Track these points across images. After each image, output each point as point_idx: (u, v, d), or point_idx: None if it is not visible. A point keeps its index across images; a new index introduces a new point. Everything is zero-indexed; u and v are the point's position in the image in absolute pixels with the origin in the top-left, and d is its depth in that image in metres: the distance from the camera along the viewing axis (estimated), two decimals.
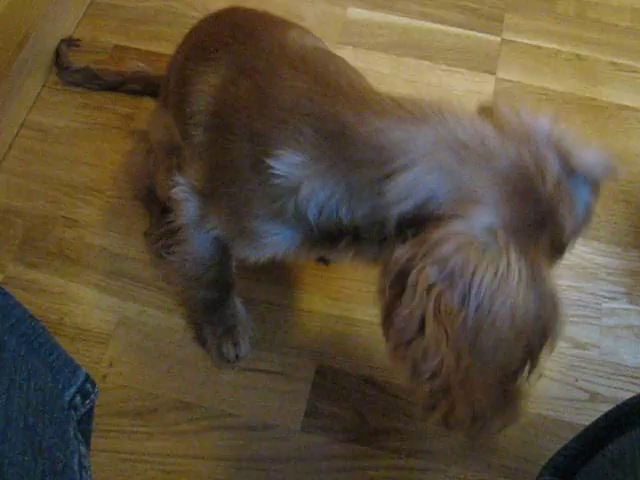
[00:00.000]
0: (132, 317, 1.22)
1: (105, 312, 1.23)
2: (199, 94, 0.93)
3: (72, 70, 1.45)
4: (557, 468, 0.76)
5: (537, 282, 0.67)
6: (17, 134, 1.40)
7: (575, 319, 1.25)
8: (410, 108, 0.75)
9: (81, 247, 1.28)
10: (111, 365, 1.18)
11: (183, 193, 0.97)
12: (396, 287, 0.69)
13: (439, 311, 0.66)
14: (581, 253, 1.31)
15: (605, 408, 1.13)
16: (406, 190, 0.70)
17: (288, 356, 1.19)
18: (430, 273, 0.66)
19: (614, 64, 1.55)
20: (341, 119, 0.77)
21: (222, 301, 1.17)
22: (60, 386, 0.59)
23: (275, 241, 0.89)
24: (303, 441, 1.13)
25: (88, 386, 0.62)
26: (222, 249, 1.04)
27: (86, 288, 1.25)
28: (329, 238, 0.85)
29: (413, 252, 0.68)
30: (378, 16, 1.58)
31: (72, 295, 1.24)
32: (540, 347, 0.70)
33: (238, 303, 1.20)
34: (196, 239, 1.03)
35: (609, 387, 1.20)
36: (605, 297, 1.28)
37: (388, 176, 0.71)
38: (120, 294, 1.24)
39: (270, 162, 0.79)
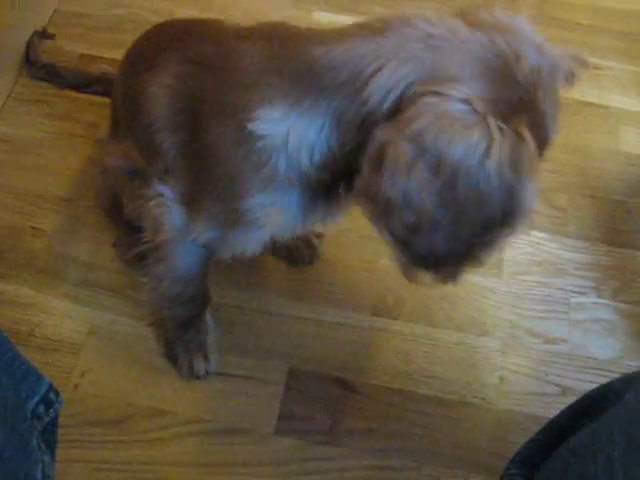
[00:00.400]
0: (103, 326, 1.22)
1: (76, 322, 1.22)
2: (154, 100, 0.92)
3: (39, 65, 1.45)
4: (523, 461, 0.77)
5: (518, 150, 0.69)
6: None
7: (544, 314, 1.27)
8: (373, 24, 0.77)
9: (50, 257, 1.28)
10: (83, 375, 1.17)
11: (161, 207, 0.96)
12: (376, 167, 0.71)
13: (416, 184, 0.69)
14: (549, 249, 1.33)
15: None
16: (385, 88, 0.72)
17: (260, 360, 1.19)
18: (406, 148, 0.68)
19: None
20: (306, 57, 0.78)
21: (197, 317, 1.16)
22: (23, 396, 0.59)
23: (272, 215, 0.88)
24: (277, 444, 1.13)
25: (52, 395, 0.62)
26: (206, 260, 1.04)
27: (56, 298, 1.24)
28: (326, 191, 0.86)
29: (389, 131, 0.70)
30: (344, 19, 1.58)
31: (42, 306, 1.23)
32: (501, 224, 0.73)
33: (210, 319, 1.19)
34: (179, 254, 1.02)
35: (579, 381, 1.21)
36: (573, 292, 1.30)
37: (366, 84, 0.73)
38: (91, 303, 1.24)
39: (251, 126, 0.79)
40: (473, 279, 1.28)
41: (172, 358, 1.19)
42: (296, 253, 1.26)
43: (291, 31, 0.84)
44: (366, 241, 1.29)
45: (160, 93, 0.91)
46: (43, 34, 1.51)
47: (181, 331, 1.17)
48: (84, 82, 1.42)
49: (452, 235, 0.74)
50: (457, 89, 0.68)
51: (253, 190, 0.85)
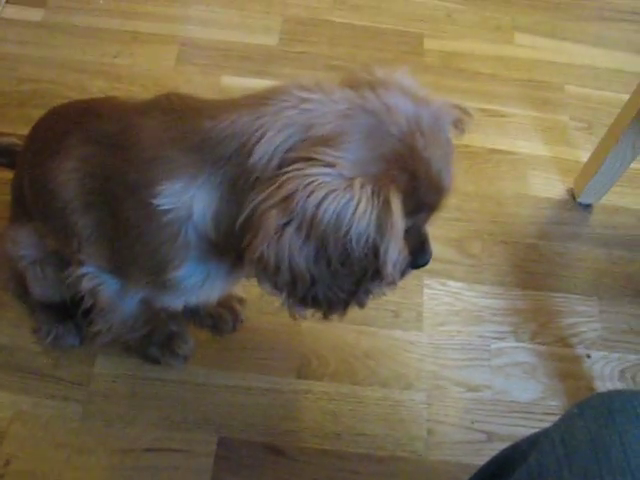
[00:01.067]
0: (27, 410, 1.20)
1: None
2: (63, 186, 0.92)
3: None
4: None
5: (382, 212, 0.72)
6: None
7: (466, 363, 1.30)
8: (258, 94, 0.80)
9: None
10: (7, 464, 1.14)
11: (91, 280, 0.98)
12: (253, 232, 0.74)
13: (287, 247, 0.72)
14: (466, 297, 1.36)
15: (503, 446, 1.17)
16: (267, 155, 0.75)
17: (188, 432, 1.19)
18: (275, 214, 0.71)
19: (483, 110, 1.62)
20: (199, 129, 0.80)
21: (157, 326, 1.19)
22: None
23: (195, 283, 0.91)
24: None
25: None
26: (147, 305, 1.05)
27: None
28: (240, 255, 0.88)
29: (261, 197, 0.73)
30: (251, 82, 1.61)
31: None
32: (371, 278, 0.78)
33: (163, 314, 1.19)
34: (120, 310, 1.04)
35: (504, 425, 1.24)
36: (492, 338, 1.33)
37: (251, 152, 0.75)
38: (12, 388, 1.21)
39: (155, 202, 0.81)
40: (394, 334, 1.30)
41: (152, 360, 1.24)
42: (220, 321, 1.27)
43: (186, 103, 0.86)
44: None
45: (68, 178, 0.92)
46: None
47: (147, 340, 1.20)
48: None
49: (329, 288, 0.78)
50: (326, 153, 0.71)
51: (173, 262, 0.87)
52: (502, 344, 1.33)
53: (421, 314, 1.33)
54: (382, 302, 1.32)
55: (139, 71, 1.60)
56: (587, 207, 1.52)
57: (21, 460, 1.15)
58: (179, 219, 0.82)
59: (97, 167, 0.89)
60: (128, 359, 1.24)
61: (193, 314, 1.28)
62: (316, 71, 1.63)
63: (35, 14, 1.72)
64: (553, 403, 1.27)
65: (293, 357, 1.27)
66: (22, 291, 1.20)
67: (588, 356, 1.33)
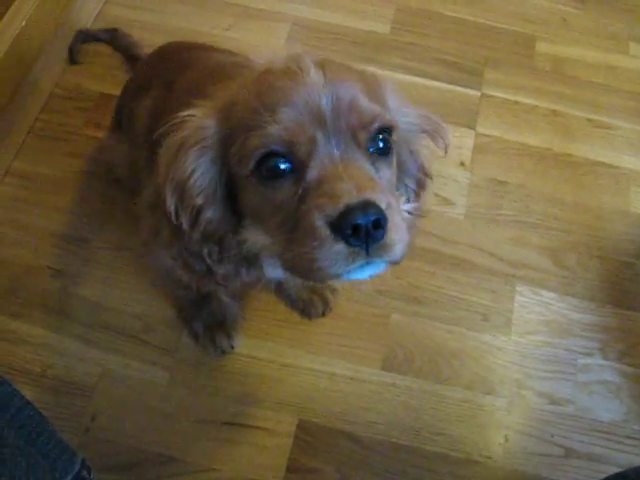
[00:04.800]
0: (116, 370, 1.23)
1: (88, 364, 1.23)
2: (140, 119, 1.07)
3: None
4: None
5: None
6: (1, 182, 1.41)
7: (551, 374, 1.28)
8: None
9: (64, 298, 1.29)
10: (93, 419, 1.18)
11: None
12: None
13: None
14: (557, 309, 1.34)
15: (580, 464, 1.17)
16: None
17: (271, 411, 1.21)
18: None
19: (589, 120, 1.59)
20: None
21: (205, 299, 1.22)
22: (57, 475, 0.60)
23: None
24: None
25: (84, 473, 0.63)
26: None
27: (69, 339, 1.25)
28: None
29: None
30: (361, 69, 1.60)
31: (55, 346, 1.24)
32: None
33: (225, 297, 1.23)
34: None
35: (584, 443, 1.23)
36: (580, 353, 1.31)
37: None
38: (103, 346, 1.25)
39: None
40: (482, 337, 1.29)
41: (194, 336, 1.25)
42: (310, 306, 1.27)
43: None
44: (378, 295, 1.31)
45: (142, 112, 1.07)
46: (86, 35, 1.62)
47: (194, 310, 1.24)
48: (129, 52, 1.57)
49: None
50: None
51: None
52: (589, 360, 1.31)
53: (510, 320, 1.32)
54: (472, 304, 1.32)
55: (248, 46, 1.61)
56: None
57: (106, 417, 1.19)
58: None
59: (159, 108, 1.02)
60: None
61: (285, 295, 1.29)
62: (425, 64, 1.62)
63: None
64: (636, 427, 1.25)
65: (379, 349, 1.27)
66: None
67: None
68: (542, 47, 1.71)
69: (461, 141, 1.52)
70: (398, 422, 1.22)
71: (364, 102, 0.71)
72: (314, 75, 0.71)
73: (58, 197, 1.40)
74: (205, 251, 0.78)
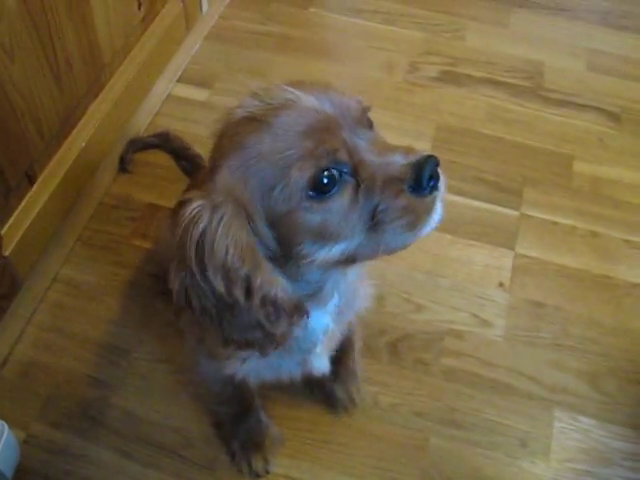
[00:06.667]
0: None
1: (126, 478, 1.23)
2: None
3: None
4: None
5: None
6: (49, 288, 1.44)
7: None
8: None
9: (104, 408, 1.30)
10: None
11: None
12: None
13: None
14: (597, 436, 1.32)
15: None
16: None
17: None
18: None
19: (627, 242, 1.60)
20: None
21: (244, 416, 1.22)
22: None
23: None
24: None
25: None
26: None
27: (107, 452, 1.25)
28: None
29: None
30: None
31: (93, 458, 1.24)
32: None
33: (264, 418, 1.23)
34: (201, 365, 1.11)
35: None
36: None
37: None
38: (141, 460, 1.25)
39: None
40: (520, 463, 1.27)
41: (230, 454, 1.25)
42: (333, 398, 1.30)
43: None
44: (415, 417, 1.30)
45: None
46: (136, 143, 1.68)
47: (233, 427, 1.23)
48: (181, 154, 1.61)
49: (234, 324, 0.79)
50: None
51: None
52: None
53: (549, 447, 1.30)
54: (510, 429, 1.31)
55: None
56: None
57: None
58: None
59: None
60: None
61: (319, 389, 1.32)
62: (464, 182, 1.66)
63: (201, 94, 1.83)
64: None
65: (415, 472, 1.25)
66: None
67: None
68: (579, 167, 1.74)
69: (500, 261, 1.53)
70: None
71: (346, 95, 0.77)
72: (303, 95, 0.74)
73: (102, 306, 1.42)
74: (262, 315, 0.78)
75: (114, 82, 1.54)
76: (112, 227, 1.54)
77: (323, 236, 0.75)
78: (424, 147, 1.71)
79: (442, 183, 0.76)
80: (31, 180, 1.32)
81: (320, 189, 0.72)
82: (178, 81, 1.86)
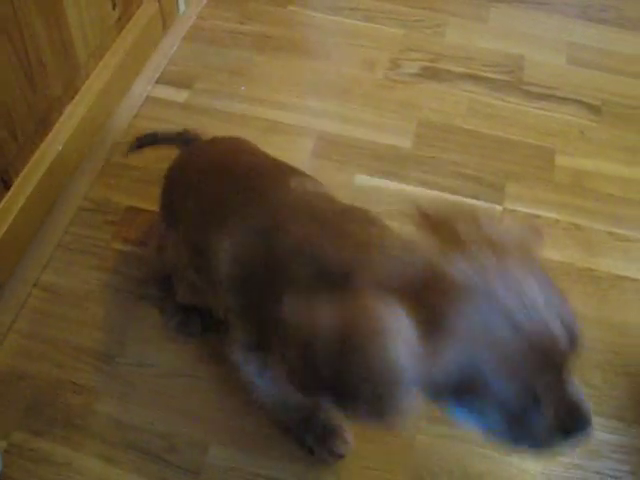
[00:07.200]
0: None
1: None
2: (220, 262, 0.98)
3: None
4: None
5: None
6: (29, 294, 1.42)
7: None
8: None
9: (88, 415, 1.28)
10: None
11: (238, 355, 1.04)
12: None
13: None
14: None
15: None
16: None
17: None
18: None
19: (611, 234, 1.60)
20: (347, 264, 0.81)
21: (313, 413, 1.20)
22: None
23: None
24: None
25: None
26: None
27: (92, 459, 1.23)
28: None
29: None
30: (383, 183, 1.64)
31: (77, 466, 1.22)
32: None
33: (329, 408, 1.20)
34: (265, 389, 1.10)
35: None
36: (610, 476, 1.28)
37: None
38: (126, 466, 1.23)
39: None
40: (510, 459, 1.27)
41: (307, 450, 1.23)
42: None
43: (346, 227, 0.91)
44: None
45: (224, 258, 0.98)
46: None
47: (303, 426, 1.22)
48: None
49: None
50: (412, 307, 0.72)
51: None
52: None
53: None
54: None
55: None
56: None
57: None
58: None
59: (247, 259, 0.95)
60: (244, 451, 1.24)
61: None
62: (446, 178, 1.65)
63: (181, 95, 1.81)
64: None
65: (404, 471, 1.24)
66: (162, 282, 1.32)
67: None
68: (561, 160, 1.74)
69: None
70: None
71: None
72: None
73: (83, 311, 1.40)
74: None
75: (90, 83, 1.53)
76: (92, 231, 1.52)
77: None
78: (405, 144, 1.71)
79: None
80: (7, 184, 1.30)
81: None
82: (157, 82, 1.84)
